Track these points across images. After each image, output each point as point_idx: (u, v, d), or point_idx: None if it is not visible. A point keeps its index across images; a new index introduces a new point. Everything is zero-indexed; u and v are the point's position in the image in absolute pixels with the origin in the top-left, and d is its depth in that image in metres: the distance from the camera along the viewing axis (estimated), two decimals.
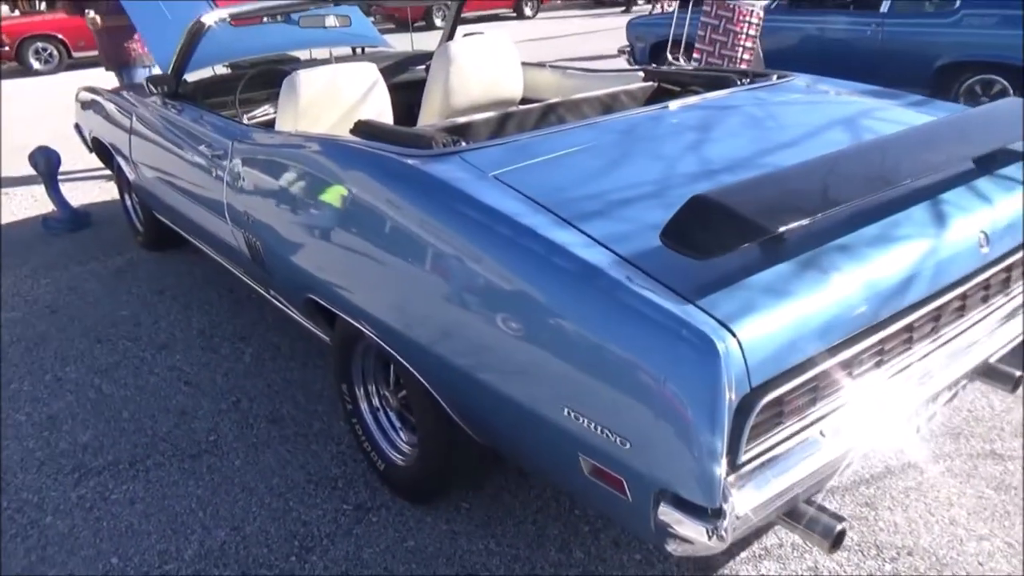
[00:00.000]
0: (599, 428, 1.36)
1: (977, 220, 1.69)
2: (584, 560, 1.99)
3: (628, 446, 1.32)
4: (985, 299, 1.75)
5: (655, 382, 1.26)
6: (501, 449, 1.88)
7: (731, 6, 5.27)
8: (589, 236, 1.51)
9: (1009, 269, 1.79)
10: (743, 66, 5.02)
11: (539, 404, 1.50)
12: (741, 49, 5.31)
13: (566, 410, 1.41)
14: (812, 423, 1.41)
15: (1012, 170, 1.92)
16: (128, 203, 4.36)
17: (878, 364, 1.51)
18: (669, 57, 6.25)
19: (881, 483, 2.21)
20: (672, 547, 1.35)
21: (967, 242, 1.64)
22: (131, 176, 3.83)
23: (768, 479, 1.33)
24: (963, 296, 1.66)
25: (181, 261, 4.06)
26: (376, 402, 2.27)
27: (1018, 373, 1.97)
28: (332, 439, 2.51)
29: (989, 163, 1.90)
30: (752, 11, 5.27)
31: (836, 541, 1.46)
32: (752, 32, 5.29)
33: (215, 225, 2.80)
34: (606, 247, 1.48)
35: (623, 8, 18.11)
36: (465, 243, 1.63)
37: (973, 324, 1.72)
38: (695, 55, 5.57)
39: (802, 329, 1.35)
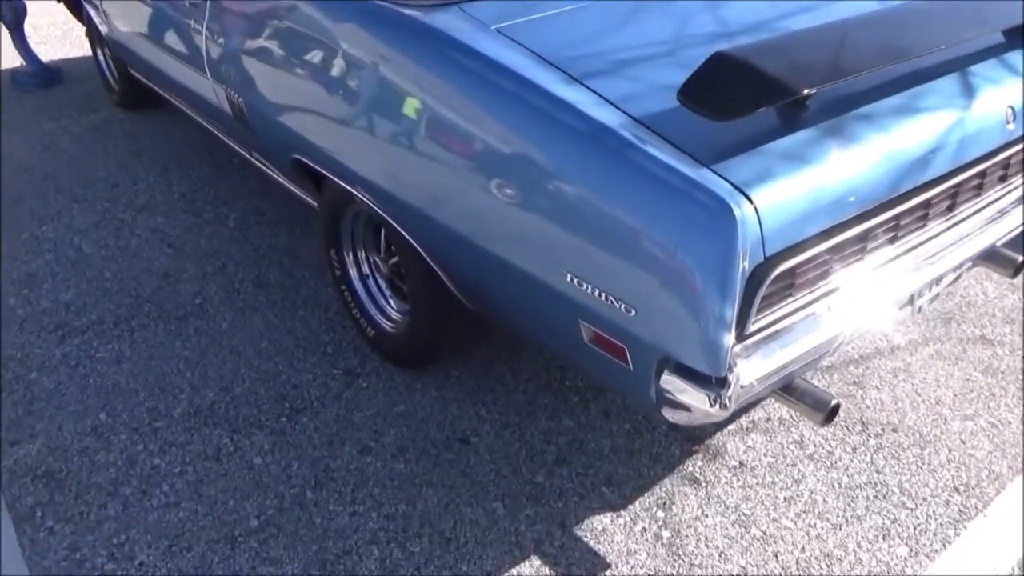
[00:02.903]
0: (603, 295, 1.31)
1: (1005, 94, 1.60)
2: (574, 428, 2.01)
3: (633, 313, 1.28)
4: (1003, 178, 1.69)
5: (666, 247, 1.21)
6: (496, 316, 1.85)
7: None
8: (599, 95, 1.41)
9: None
10: None
11: (539, 269, 1.45)
12: None
13: (568, 276, 1.36)
14: (821, 297, 1.38)
15: None
16: (101, 58, 4.10)
17: (891, 240, 1.47)
18: None
19: (870, 363, 2.22)
20: (669, 415, 1.34)
21: (994, 117, 1.56)
22: (103, 28, 3.58)
23: (774, 350, 1.31)
24: (982, 174, 1.60)
25: (158, 122, 3.88)
26: (366, 269, 2.21)
27: (1020, 258, 1.94)
28: (320, 305, 2.47)
29: (1022, 36, 1.79)
30: None
31: (830, 415, 1.46)
32: None
33: (195, 81, 2.64)
34: (617, 107, 1.38)
35: None
36: (464, 99, 1.53)
37: (988, 204, 1.67)
38: None
39: (820, 199, 1.28)
